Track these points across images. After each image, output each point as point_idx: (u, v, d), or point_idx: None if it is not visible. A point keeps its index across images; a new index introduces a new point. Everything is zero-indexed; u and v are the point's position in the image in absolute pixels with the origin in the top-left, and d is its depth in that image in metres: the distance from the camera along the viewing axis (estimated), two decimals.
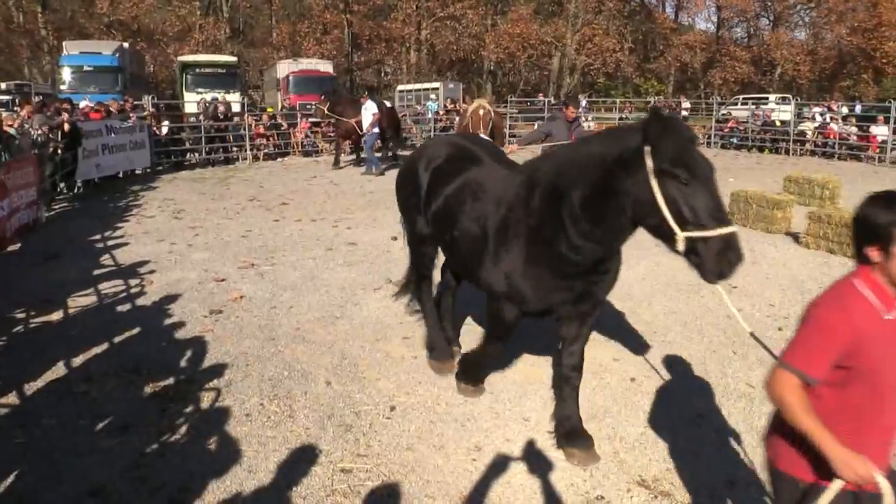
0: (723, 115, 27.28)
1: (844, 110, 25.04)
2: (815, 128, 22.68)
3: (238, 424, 4.40)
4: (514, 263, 3.84)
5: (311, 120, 23.28)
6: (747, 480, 3.81)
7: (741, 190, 10.83)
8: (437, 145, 5.05)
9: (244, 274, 7.91)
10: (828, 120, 22.95)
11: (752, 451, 4.10)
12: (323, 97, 18.74)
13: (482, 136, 9.08)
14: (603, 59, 42.61)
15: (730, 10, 46.65)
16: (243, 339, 5.88)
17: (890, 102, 20.97)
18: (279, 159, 20.49)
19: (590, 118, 29.19)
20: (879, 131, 20.31)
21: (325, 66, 33.11)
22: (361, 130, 17.34)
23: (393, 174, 16.62)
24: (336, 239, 9.74)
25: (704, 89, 44.34)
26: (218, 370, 5.19)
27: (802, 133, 22.62)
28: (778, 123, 24.26)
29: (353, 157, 19.28)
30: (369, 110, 16.65)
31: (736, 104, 31.33)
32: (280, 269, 8.10)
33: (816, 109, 24.70)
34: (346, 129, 18.01)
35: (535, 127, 11.84)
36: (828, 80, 44.50)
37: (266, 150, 20.65)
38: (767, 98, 32.40)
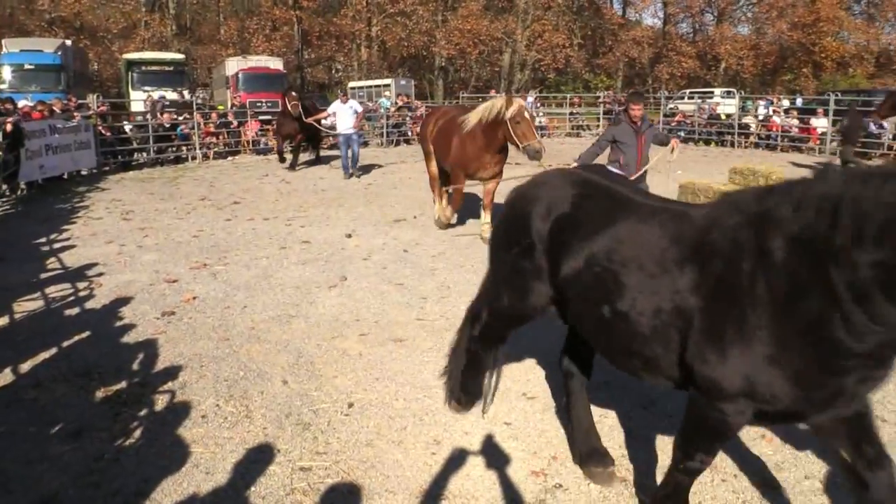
0: (670, 109, 27.82)
1: (786, 103, 25.74)
2: (759, 121, 23.31)
3: (194, 426, 4.35)
4: (759, 349, 2.63)
5: (261, 118, 23.05)
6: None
7: (689, 182, 11.09)
8: (554, 185, 3.60)
9: (196, 274, 7.80)
10: (770, 113, 23.59)
11: None
12: (292, 93, 17.57)
13: (534, 145, 8.47)
14: (553, 54, 42.99)
15: (675, 6, 47.56)
16: (197, 340, 5.81)
17: (829, 95, 21.67)
18: (229, 158, 20.21)
19: (540, 113, 29.47)
20: (819, 123, 20.97)
21: (276, 63, 32.72)
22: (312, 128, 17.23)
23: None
24: (289, 237, 9.67)
25: (652, 84, 45.10)
26: (172, 372, 5.12)
27: (746, 126, 23.24)
28: (723, 117, 24.88)
29: (312, 156, 18.99)
30: (352, 108, 15.93)
31: (683, 98, 31.96)
32: (233, 269, 8.01)
33: (760, 103, 25.38)
34: (289, 129, 17.43)
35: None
36: (770, 75, 45.67)
37: (216, 149, 20.34)
38: (713, 92, 33.15)
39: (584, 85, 45.60)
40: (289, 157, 17.77)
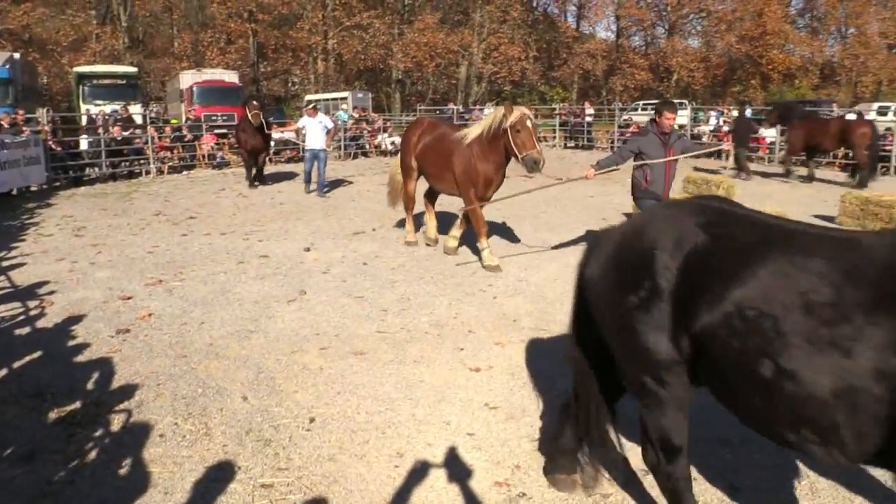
0: (624, 120, 28.29)
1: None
2: (710, 131, 23.85)
3: (152, 446, 4.26)
4: None
5: (217, 132, 22.81)
6: None
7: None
8: (678, 214, 2.98)
9: (152, 291, 7.66)
10: (721, 123, 24.16)
11: None
12: (253, 102, 16.33)
13: (533, 155, 7.72)
14: (509, 67, 43.43)
15: (628, 20, 48.46)
16: (153, 357, 5.70)
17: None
18: (185, 172, 19.91)
19: None
20: (768, 133, 21.53)
21: (231, 77, 32.43)
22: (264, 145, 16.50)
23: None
24: (247, 252, 9.56)
25: (606, 96, 45.82)
26: (128, 391, 5.01)
27: (699, 136, 23.73)
28: (676, 127, 25.35)
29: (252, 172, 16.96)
30: (322, 123, 14.93)
31: (636, 110, 32.52)
32: (190, 285, 7.88)
33: (711, 113, 25.96)
34: (255, 143, 16.14)
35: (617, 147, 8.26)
36: (720, 86, 46.78)
37: (171, 164, 20.03)
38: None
39: (540, 97, 46.12)
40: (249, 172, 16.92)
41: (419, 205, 10.15)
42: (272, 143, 18.27)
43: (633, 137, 7.42)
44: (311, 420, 4.60)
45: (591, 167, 7.85)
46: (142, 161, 19.28)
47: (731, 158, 19.17)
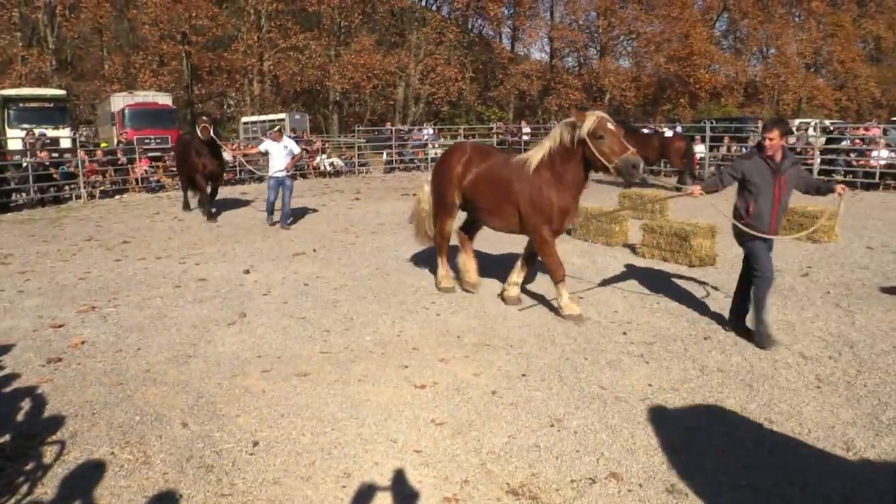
0: None
1: (667, 131, 27.10)
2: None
3: (87, 477, 4.10)
4: None
5: (150, 155, 22.32)
6: (606, 474, 4.03)
7: (582, 207, 11.46)
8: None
9: (85, 318, 7.40)
10: None
11: (608, 447, 4.35)
12: (204, 119, 14.70)
13: (630, 157, 6.42)
14: (446, 87, 43.72)
15: (561, 41, 49.39)
16: (87, 386, 5.50)
17: (705, 123, 23.07)
18: (117, 197, 19.39)
19: (437, 145, 29.90)
20: (698, 149, 22.24)
21: (164, 99, 31.79)
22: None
23: (229, 213, 16.49)
24: (184, 275, 9.34)
25: (542, 115, 46.58)
26: (60, 421, 4.82)
27: None
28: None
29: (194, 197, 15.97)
30: (288, 148, 13.38)
31: None
32: (125, 311, 7.65)
33: (644, 130, 26.64)
34: (212, 167, 14.21)
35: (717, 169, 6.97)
36: (651, 105, 48.09)
37: (102, 188, 19.47)
38: None
39: (478, 117, 46.59)
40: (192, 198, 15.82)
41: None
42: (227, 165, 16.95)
43: (737, 160, 6.39)
44: (255, 444, 4.51)
45: (698, 185, 6.69)
46: (72, 186, 18.69)
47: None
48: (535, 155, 7.07)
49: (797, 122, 28.56)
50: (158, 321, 7.22)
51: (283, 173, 13.27)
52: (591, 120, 6.59)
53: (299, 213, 15.05)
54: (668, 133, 22.22)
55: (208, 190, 14.51)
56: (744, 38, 50.33)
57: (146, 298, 8.16)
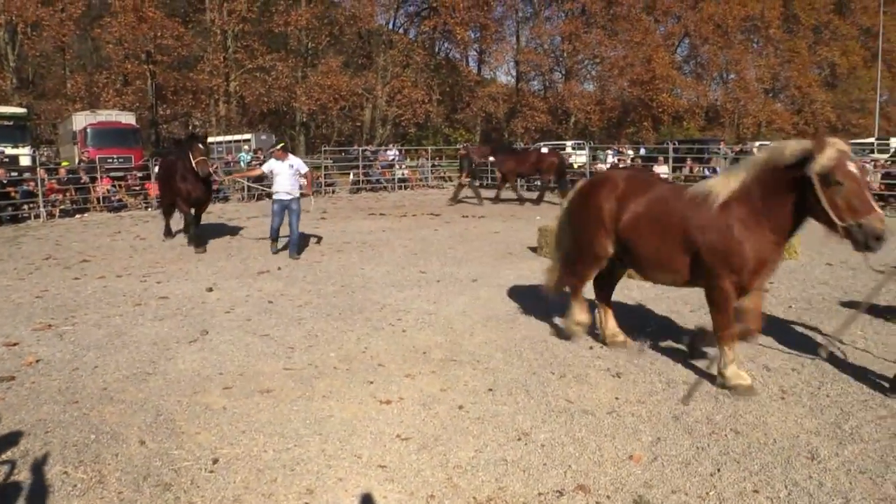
0: None
1: (631, 153, 27.55)
2: (608, 168, 24.84)
3: (38, 498, 3.94)
4: None
5: (112, 174, 22.01)
6: (574, 487, 3.99)
7: (548, 225, 11.52)
8: None
9: (40, 336, 7.19)
10: (616, 161, 25.20)
11: (576, 460, 4.31)
12: (198, 146, 12.55)
13: (874, 224, 4.63)
14: (413, 109, 43.93)
15: (527, 65, 50.05)
16: (41, 405, 5.31)
17: (668, 144, 23.47)
18: (77, 216, 19.02)
19: (404, 166, 29.97)
20: (661, 169, 22.60)
21: (128, 118, 31.45)
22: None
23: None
24: (145, 293, 9.15)
25: (508, 137, 46.98)
26: (11, 441, 4.64)
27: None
28: (576, 166, 26.30)
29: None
30: (294, 167, 11.87)
31: (539, 150, 33.43)
32: (82, 329, 7.45)
33: (608, 152, 27.06)
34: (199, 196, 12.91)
35: None
36: (615, 127, 48.86)
37: (62, 207, 19.09)
38: (565, 145, 34.94)
39: (445, 139, 46.82)
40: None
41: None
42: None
43: None
44: (215, 461, 4.38)
45: None
46: (31, 205, 18.29)
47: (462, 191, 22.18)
48: (724, 185, 5.40)
49: (757, 143, 29.16)
50: (117, 339, 7.04)
51: (290, 196, 11.76)
52: (830, 154, 4.73)
53: (265, 233, 14.83)
54: (544, 150, 24.66)
55: (192, 212, 13.02)
56: (704, 64, 51.53)
57: (105, 317, 7.96)
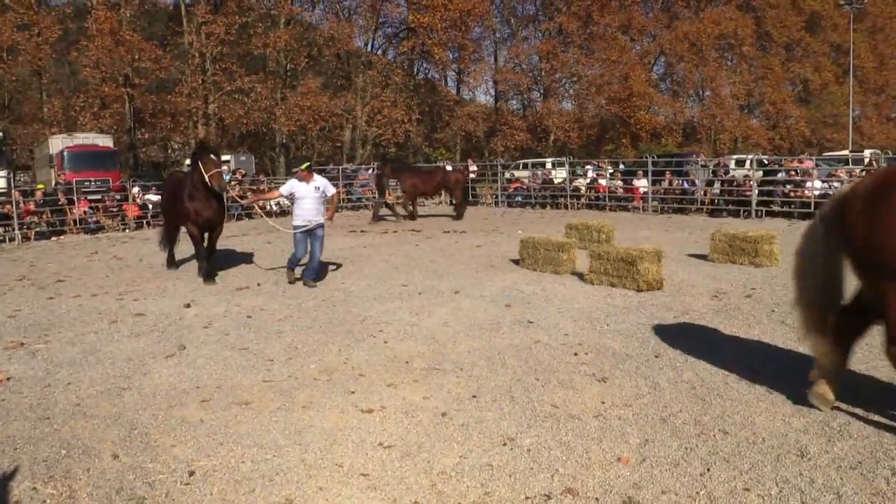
0: (507, 178, 29.11)
1: (611, 168, 27.69)
2: (588, 184, 24.92)
3: None
4: None
5: (90, 197, 21.78)
6: (561, 490, 3.89)
7: (530, 237, 11.48)
8: None
9: (12, 354, 6.99)
10: (596, 177, 25.32)
11: (563, 463, 4.21)
12: (211, 157, 10.83)
13: None
14: (393, 129, 43.93)
15: (505, 84, 50.37)
16: (11, 421, 5.14)
17: (646, 158, 23.64)
18: (53, 238, 18.73)
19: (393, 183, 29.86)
20: (641, 184, 22.72)
21: (105, 141, 31.19)
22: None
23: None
24: (121, 311, 8.96)
25: (489, 156, 47.15)
26: None
27: (577, 189, 24.72)
28: (556, 182, 26.40)
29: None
30: (320, 189, 10.31)
31: (518, 167, 33.59)
32: (56, 346, 7.26)
33: (588, 167, 27.17)
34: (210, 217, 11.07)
35: None
36: (594, 145, 49.16)
37: (38, 229, 18.80)
38: (545, 162, 35.10)
39: (425, 158, 46.89)
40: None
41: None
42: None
43: None
44: (191, 473, 4.23)
45: None
46: (6, 227, 18.01)
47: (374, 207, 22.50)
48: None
49: (734, 157, 29.48)
50: (91, 356, 6.87)
51: (316, 221, 10.22)
52: None
53: (243, 252, 14.69)
54: (449, 168, 25.33)
55: (205, 243, 11.28)
56: (680, 81, 52.13)
57: (79, 334, 7.78)
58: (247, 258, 13.63)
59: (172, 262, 12.56)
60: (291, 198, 10.53)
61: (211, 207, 11.00)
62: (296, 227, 10.29)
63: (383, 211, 22.04)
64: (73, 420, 5.15)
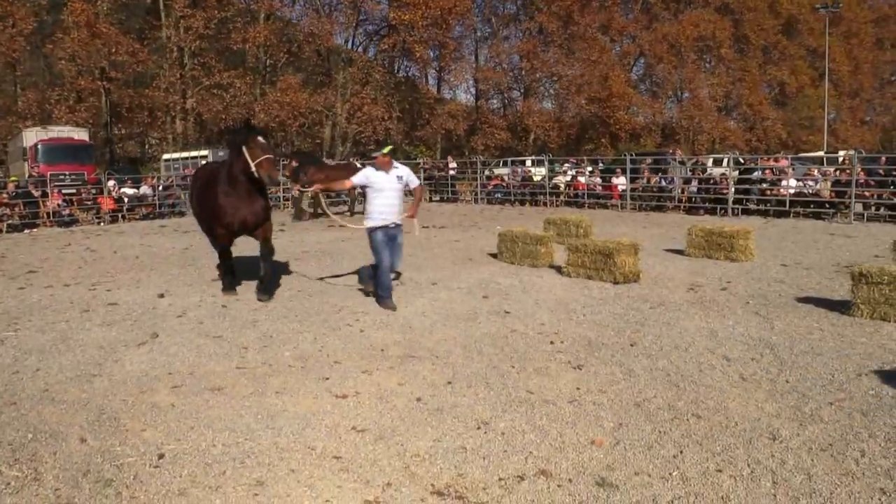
0: (487, 175, 29.11)
1: (591, 168, 27.79)
2: (567, 181, 24.99)
3: None
4: None
5: (64, 191, 21.51)
6: (535, 472, 3.87)
7: (508, 230, 11.48)
8: None
9: None
10: (575, 174, 25.40)
11: (537, 446, 4.20)
12: (258, 139, 8.32)
13: None
14: (373, 127, 43.74)
15: (486, 83, 50.35)
16: None
17: (625, 156, 23.76)
18: (26, 231, 18.45)
19: None
20: (619, 182, 22.83)
21: (81, 134, 30.79)
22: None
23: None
24: (94, 301, 8.83)
25: (469, 154, 47.16)
26: None
27: (556, 186, 24.78)
28: (535, 180, 26.46)
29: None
30: (401, 179, 8.21)
31: (498, 165, 33.63)
32: (25, 334, 7.14)
33: (567, 165, 27.25)
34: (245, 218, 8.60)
35: None
36: (574, 144, 49.30)
37: (10, 222, 18.51)
38: (525, 160, 35.17)
39: (406, 156, 46.78)
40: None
41: None
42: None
43: None
44: (161, 456, 4.17)
45: None
46: None
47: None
48: None
49: (712, 156, 29.71)
50: (62, 343, 6.76)
51: (397, 220, 8.15)
52: None
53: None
54: (358, 164, 24.51)
55: (252, 243, 9.20)
56: (659, 82, 52.41)
57: (50, 323, 7.66)
58: None
59: (231, 286, 9.23)
60: (365, 190, 8.33)
61: (252, 205, 8.46)
62: (372, 228, 8.03)
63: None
64: (41, 405, 5.06)
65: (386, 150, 8.25)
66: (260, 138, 8.31)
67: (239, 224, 8.56)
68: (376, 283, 8.19)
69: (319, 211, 20.33)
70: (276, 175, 9.10)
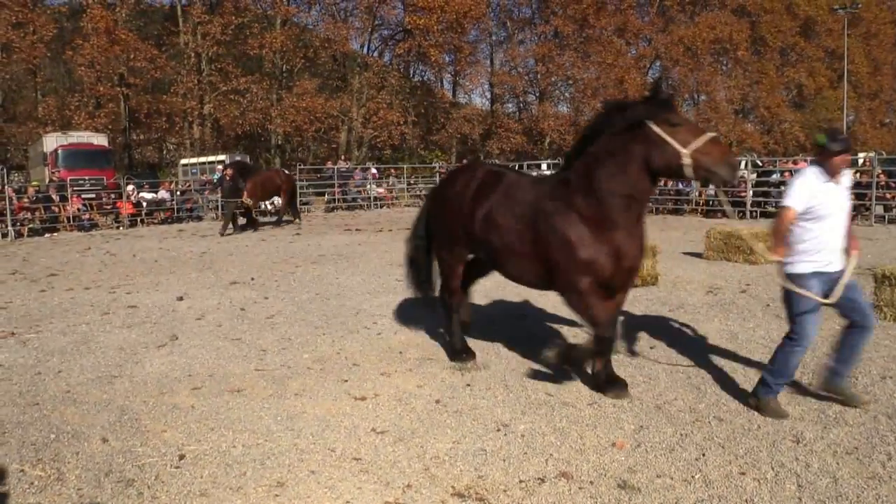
0: None
1: (286, 171, 27.26)
2: None
3: None
4: None
5: (84, 195, 21.73)
6: (556, 474, 3.85)
7: None
8: None
9: (2, 344, 6.94)
10: None
11: (557, 448, 4.18)
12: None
13: None
14: (389, 131, 43.81)
15: (501, 87, 50.35)
16: (0, 407, 5.09)
17: None
18: (47, 235, 18.65)
19: (382, 185, 29.92)
20: None
21: (100, 140, 31.05)
22: None
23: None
24: (114, 303, 8.90)
25: (485, 158, 47.10)
26: None
27: None
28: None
29: None
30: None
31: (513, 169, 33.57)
32: (47, 336, 7.21)
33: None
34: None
35: None
36: None
37: (31, 226, 18.72)
38: (540, 164, 35.10)
39: (421, 160, 46.84)
40: None
41: None
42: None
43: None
44: (181, 457, 4.19)
45: None
46: None
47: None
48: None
49: None
50: (83, 345, 6.82)
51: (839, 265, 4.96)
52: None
53: (237, 248, 14.63)
54: (287, 172, 23.99)
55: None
56: (675, 85, 52.10)
57: (71, 325, 7.73)
58: (240, 255, 13.58)
59: (463, 352, 6.03)
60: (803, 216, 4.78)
61: (636, 241, 4.96)
62: (802, 277, 4.75)
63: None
64: (63, 406, 5.10)
65: (822, 139, 4.69)
66: (672, 115, 4.73)
67: (626, 272, 4.97)
68: (773, 370, 4.70)
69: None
70: (737, 165, 5.30)
